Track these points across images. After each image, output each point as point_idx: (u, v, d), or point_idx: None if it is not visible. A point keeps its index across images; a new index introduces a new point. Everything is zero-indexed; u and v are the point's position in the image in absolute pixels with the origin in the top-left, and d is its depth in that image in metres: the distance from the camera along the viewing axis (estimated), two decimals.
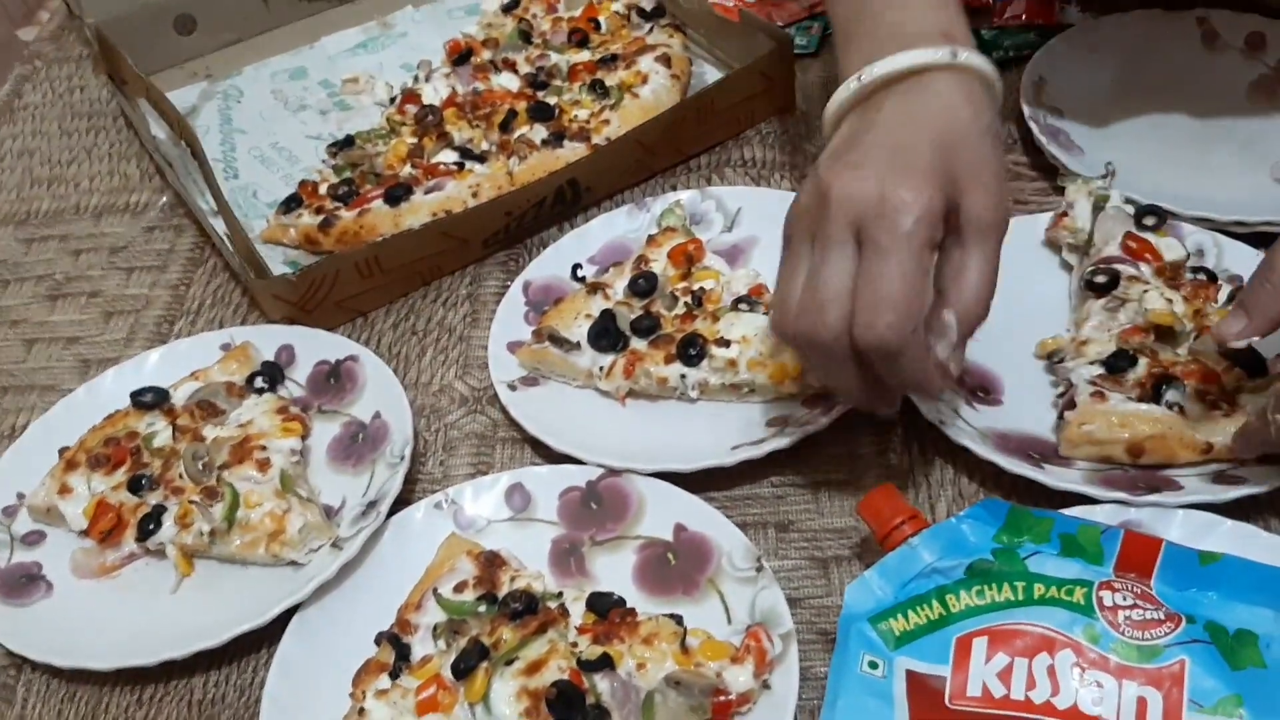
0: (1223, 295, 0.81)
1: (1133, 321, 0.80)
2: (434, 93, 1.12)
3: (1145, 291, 0.81)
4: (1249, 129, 1.00)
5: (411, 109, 1.10)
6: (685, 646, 0.67)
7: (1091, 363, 0.79)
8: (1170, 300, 0.80)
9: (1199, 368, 0.77)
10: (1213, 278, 0.83)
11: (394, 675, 0.70)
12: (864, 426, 0.83)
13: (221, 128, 1.19)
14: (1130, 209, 0.87)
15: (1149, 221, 0.85)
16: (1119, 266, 0.83)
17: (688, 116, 1.04)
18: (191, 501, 0.79)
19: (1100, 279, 0.82)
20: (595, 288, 0.90)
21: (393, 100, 1.15)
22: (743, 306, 0.86)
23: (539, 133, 1.04)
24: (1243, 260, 0.84)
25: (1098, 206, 0.87)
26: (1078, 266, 0.87)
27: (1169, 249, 0.84)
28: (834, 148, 0.69)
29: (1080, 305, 0.84)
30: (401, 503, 0.80)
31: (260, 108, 1.21)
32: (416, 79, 1.17)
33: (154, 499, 0.81)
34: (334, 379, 0.89)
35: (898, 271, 0.63)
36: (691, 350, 0.83)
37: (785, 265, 0.69)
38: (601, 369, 0.85)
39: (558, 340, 0.86)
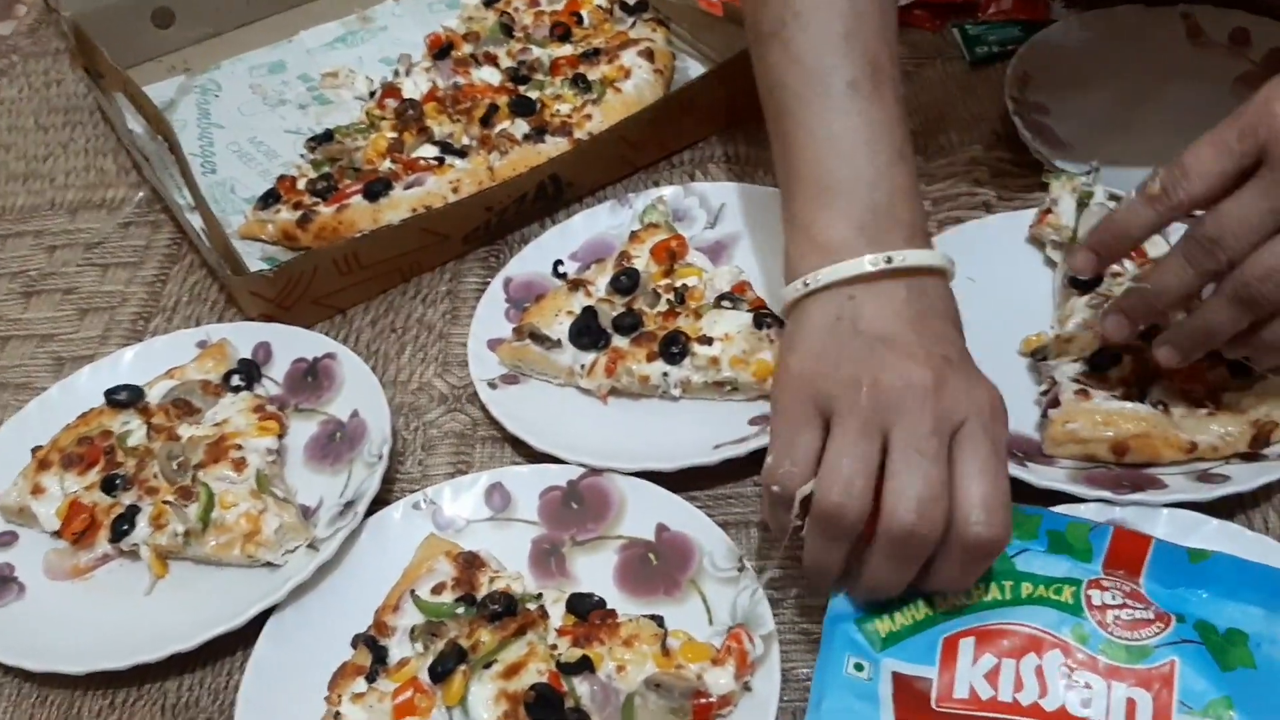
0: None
1: None
2: (414, 87, 1.11)
3: None
4: None
5: (391, 103, 1.09)
6: (666, 648, 0.67)
7: (1075, 360, 0.78)
8: None
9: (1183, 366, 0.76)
10: None
11: (370, 678, 0.69)
12: None
13: (199, 122, 1.17)
14: (1115, 205, 0.86)
15: None
16: None
17: (671, 111, 1.04)
18: (166, 502, 0.78)
19: (1084, 276, 0.82)
20: (577, 284, 0.89)
21: (372, 94, 1.14)
22: (725, 304, 0.85)
23: (520, 127, 1.03)
24: None
25: (1082, 203, 0.87)
26: (1062, 263, 0.87)
27: (1153, 245, 0.83)
28: (880, 333, 0.64)
29: (1064, 302, 0.83)
30: (380, 503, 0.78)
31: (238, 102, 1.19)
32: (396, 73, 1.15)
33: (128, 499, 0.80)
34: (311, 377, 0.88)
35: (1005, 473, 0.62)
36: (674, 348, 0.82)
37: (833, 443, 0.62)
38: (583, 367, 0.84)
39: (538, 338, 0.85)
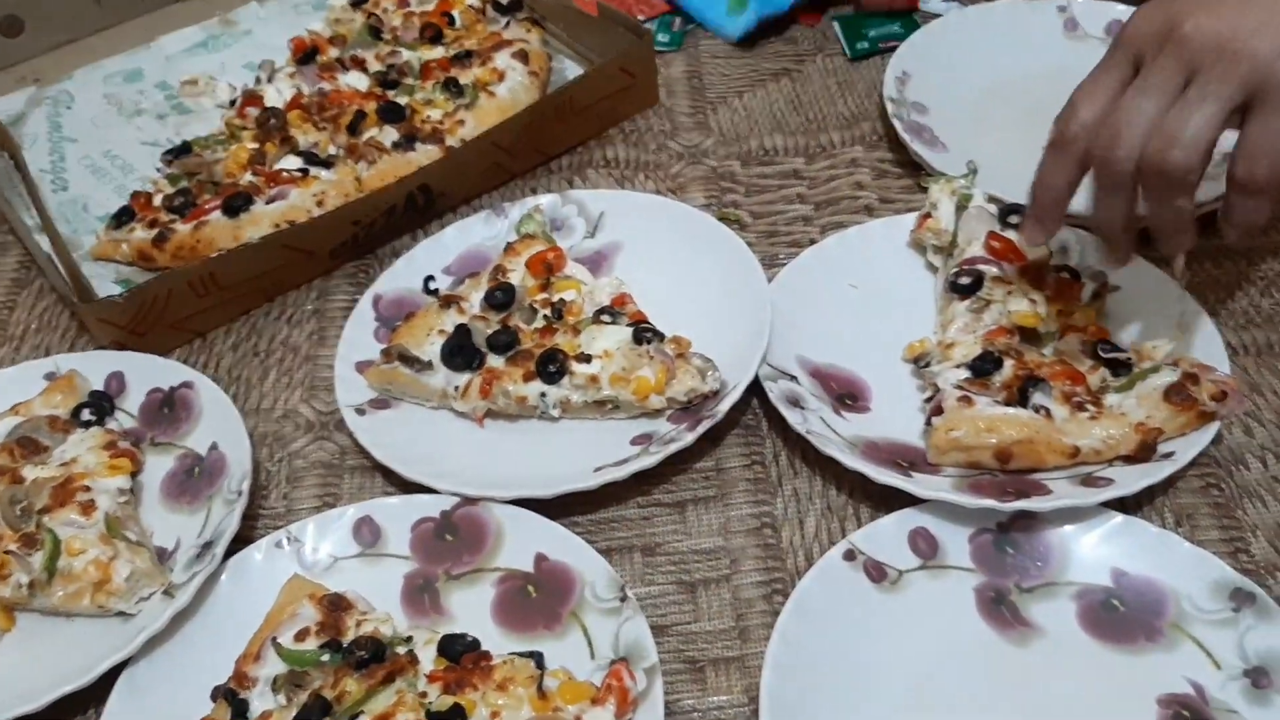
0: (1086, 293, 0.80)
1: (997, 323, 0.78)
2: (277, 94, 1.06)
3: (1009, 292, 0.79)
4: None
5: (253, 112, 1.04)
6: (543, 690, 0.64)
7: (958, 366, 0.77)
8: (1034, 301, 0.79)
9: (1064, 369, 0.76)
10: (1076, 276, 0.81)
11: None
12: (731, 441, 0.80)
13: (50, 136, 1.11)
14: (993, 208, 0.85)
15: (1013, 220, 0.84)
16: (982, 267, 0.81)
17: (547, 115, 1.00)
18: (8, 551, 0.73)
19: (964, 280, 0.81)
20: (449, 301, 0.86)
21: (233, 103, 1.08)
22: (605, 318, 0.82)
23: (389, 135, 0.99)
24: None
25: (961, 206, 0.86)
26: (942, 268, 0.85)
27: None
28: None
29: (945, 308, 0.82)
30: (241, 541, 0.74)
31: (92, 114, 1.13)
32: (258, 80, 1.10)
33: None
34: (168, 408, 0.83)
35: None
36: (551, 367, 0.79)
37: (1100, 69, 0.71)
38: (456, 389, 0.81)
39: (408, 359, 0.81)
